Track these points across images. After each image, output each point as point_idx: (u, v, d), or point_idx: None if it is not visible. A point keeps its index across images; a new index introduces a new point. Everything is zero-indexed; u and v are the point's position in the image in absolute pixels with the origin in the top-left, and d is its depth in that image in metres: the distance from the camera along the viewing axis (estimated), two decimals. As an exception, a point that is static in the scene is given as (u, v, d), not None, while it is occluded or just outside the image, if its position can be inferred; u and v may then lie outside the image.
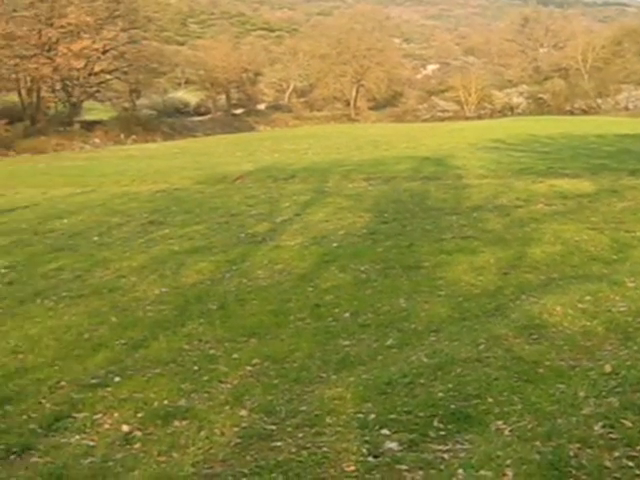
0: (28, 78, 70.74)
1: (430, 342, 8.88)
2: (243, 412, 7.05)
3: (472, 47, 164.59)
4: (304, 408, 7.05)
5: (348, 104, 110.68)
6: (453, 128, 65.64)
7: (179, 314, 10.71)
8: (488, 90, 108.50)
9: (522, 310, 9.77)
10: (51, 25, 70.17)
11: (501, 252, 13.64)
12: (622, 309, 9.51)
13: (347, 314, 10.27)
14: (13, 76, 69.42)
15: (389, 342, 9.01)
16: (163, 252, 15.46)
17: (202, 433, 6.62)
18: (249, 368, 8.36)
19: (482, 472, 5.53)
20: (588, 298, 9.95)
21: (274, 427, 6.69)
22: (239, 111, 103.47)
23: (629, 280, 10.80)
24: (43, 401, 7.72)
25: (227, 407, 7.19)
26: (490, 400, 6.87)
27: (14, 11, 67.74)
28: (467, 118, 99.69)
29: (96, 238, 17.80)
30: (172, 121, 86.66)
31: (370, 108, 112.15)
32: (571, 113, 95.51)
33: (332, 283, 12.07)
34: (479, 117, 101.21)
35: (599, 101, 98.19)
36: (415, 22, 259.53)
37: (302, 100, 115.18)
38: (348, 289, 11.61)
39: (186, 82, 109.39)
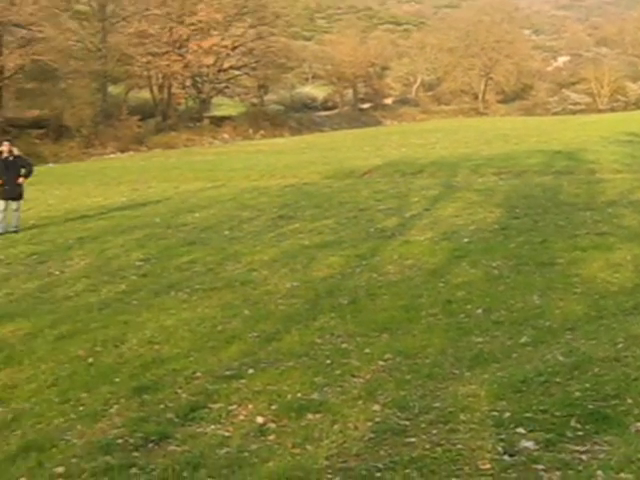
0: (159, 75, 72.69)
1: (566, 340, 8.68)
2: (376, 407, 7.03)
3: (605, 37, 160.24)
4: (438, 405, 6.99)
5: (476, 97, 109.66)
6: (585, 121, 64.30)
7: (310, 308, 10.77)
8: (622, 82, 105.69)
9: (662, 308, 9.49)
10: (182, 23, 71.86)
11: (638, 249, 13.23)
12: None
13: (479, 310, 10.13)
14: (145, 73, 71.46)
15: (523, 340, 8.84)
16: (293, 246, 15.60)
17: (336, 427, 6.64)
18: (381, 363, 8.33)
19: (622, 475, 5.39)
20: None
21: (407, 423, 6.65)
22: (366, 105, 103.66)
23: None
24: (179, 391, 7.86)
25: (360, 401, 7.18)
26: (629, 401, 6.67)
27: (146, 10, 69.53)
28: (600, 111, 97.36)
29: (227, 232, 18.10)
30: (299, 116, 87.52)
31: (499, 101, 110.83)
32: None
33: (463, 279, 11.93)
34: (612, 110, 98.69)
35: None
36: (545, 13, 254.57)
37: (429, 94, 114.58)
38: (480, 285, 11.44)
39: (313, 77, 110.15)
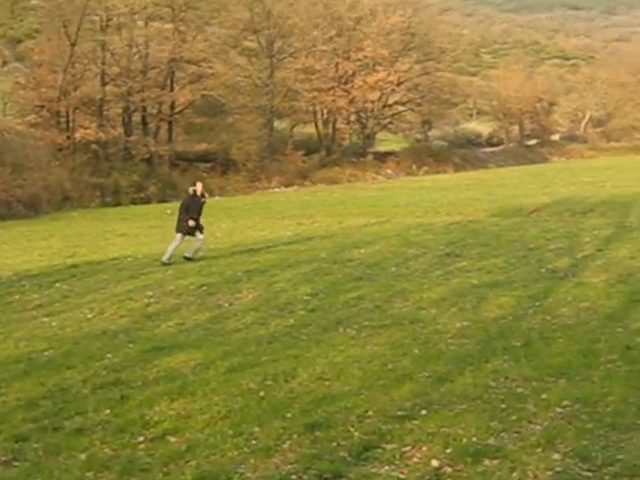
0: (324, 110, 73.81)
1: None
2: (556, 456, 6.84)
3: None
4: (622, 457, 6.73)
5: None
6: None
7: (482, 349, 10.59)
8: None
9: None
10: (348, 58, 72.93)
11: None
12: None
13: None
14: (310, 108, 72.73)
15: None
16: (462, 285, 15.45)
17: (514, 474, 6.49)
18: (559, 410, 8.09)
19: None
20: None
21: (590, 474, 6.44)
22: (532, 142, 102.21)
23: None
24: (351, 429, 7.85)
25: (539, 449, 7.00)
26: None
27: (313, 46, 70.91)
28: None
29: (394, 269, 18.10)
30: (463, 152, 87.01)
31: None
32: None
33: (643, 324, 11.52)
34: None
35: None
36: None
37: (598, 130, 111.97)
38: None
39: (478, 113, 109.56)
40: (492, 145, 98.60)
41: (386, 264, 18.85)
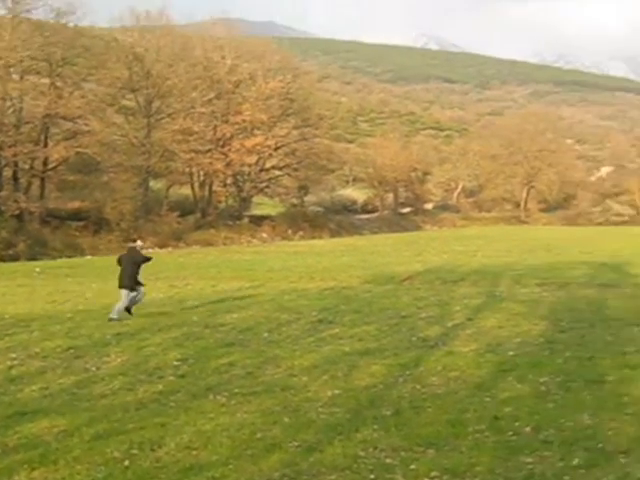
0: (201, 172, 73.75)
1: (620, 465, 8.45)
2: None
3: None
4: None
5: (518, 205, 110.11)
6: (631, 233, 64.16)
7: (352, 418, 10.59)
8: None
9: None
10: (226, 121, 73.20)
11: (692, 369, 13.01)
12: None
13: (528, 428, 9.91)
14: (187, 170, 72.53)
15: (575, 462, 8.60)
16: (334, 352, 15.45)
17: None
18: (427, 481, 8.15)
19: None
20: None
21: None
22: (406, 210, 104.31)
23: None
24: (218, 501, 7.73)
25: (406, 521, 7.00)
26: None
27: (192, 108, 70.95)
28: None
29: (266, 334, 17.99)
30: (339, 218, 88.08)
31: (541, 210, 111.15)
32: None
33: (510, 394, 11.73)
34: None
35: None
36: (589, 123, 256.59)
37: (470, 200, 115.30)
38: (528, 401, 11.23)
39: (354, 180, 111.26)
40: (367, 212, 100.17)
41: (259, 329, 18.73)
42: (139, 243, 23.47)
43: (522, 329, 17.67)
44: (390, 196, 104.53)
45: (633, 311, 20.35)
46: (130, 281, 21.72)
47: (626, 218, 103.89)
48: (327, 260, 40.44)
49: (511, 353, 14.78)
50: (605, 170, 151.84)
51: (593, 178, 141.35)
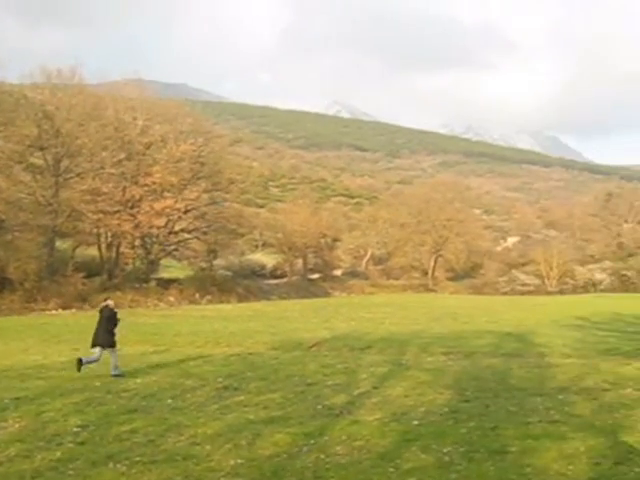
0: (109, 233, 72.83)
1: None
2: None
3: (554, 221, 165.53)
4: None
5: (426, 274, 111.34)
6: (535, 303, 65.37)
7: (255, 489, 10.50)
8: (570, 265, 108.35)
9: (619, 506, 9.39)
10: (136, 183, 72.62)
11: (591, 439, 13.24)
12: None
13: (429, 500, 9.96)
14: (95, 231, 71.59)
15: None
16: (238, 420, 15.31)
17: None
18: None
19: None
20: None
21: None
22: (315, 276, 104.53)
23: None
24: None
25: None
26: None
27: (101, 168, 70.28)
28: (548, 293, 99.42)
29: (170, 401, 17.77)
30: (248, 283, 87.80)
31: (448, 279, 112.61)
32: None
33: (414, 464, 11.77)
34: (561, 292, 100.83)
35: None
36: (496, 193, 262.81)
37: (379, 267, 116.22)
38: (431, 472, 11.30)
39: (264, 244, 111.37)
40: (276, 277, 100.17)
41: (162, 396, 18.50)
42: (110, 302, 23.91)
43: (427, 398, 17.78)
44: (299, 262, 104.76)
45: (536, 381, 20.69)
46: (104, 338, 22.62)
47: (531, 288, 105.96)
48: (234, 325, 40.21)
49: (416, 422, 14.85)
50: (511, 240, 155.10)
51: (499, 248, 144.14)
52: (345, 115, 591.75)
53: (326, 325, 40.08)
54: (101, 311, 23.59)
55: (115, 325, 23.14)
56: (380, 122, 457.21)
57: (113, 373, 22.16)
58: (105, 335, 22.65)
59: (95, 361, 22.55)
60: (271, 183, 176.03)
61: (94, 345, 22.76)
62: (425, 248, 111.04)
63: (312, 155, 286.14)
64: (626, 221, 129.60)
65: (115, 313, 23.39)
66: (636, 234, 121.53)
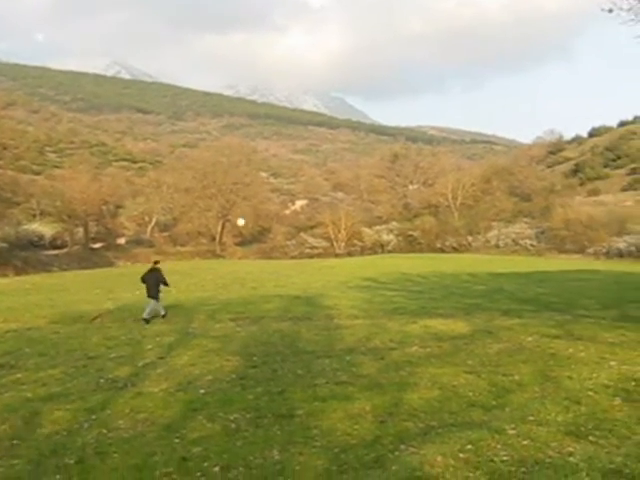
0: None
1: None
2: None
3: (341, 183, 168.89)
4: None
5: (213, 239, 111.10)
6: (323, 265, 66.60)
7: (33, 469, 10.26)
8: (358, 227, 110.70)
9: (402, 461, 9.76)
10: None
11: (377, 398, 13.67)
12: (504, 458, 9.63)
13: (217, 468, 10.03)
14: None
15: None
16: (14, 399, 14.87)
17: None
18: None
19: None
20: (469, 447, 10.05)
21: None
22: (98, 245, 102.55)
23: (509, 427, 10.98)
24: None
25: None
26: None
27: None
28: (337, 255, 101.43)
29: (-64, 384, 17.03)
30: (25, 255, 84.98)
31: (236, 244, 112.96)
32: (442, 250, 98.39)
33: (200, 433, 11.81)
34: (349, 254, 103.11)
35: (469, 238, 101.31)
36: (283, 156, 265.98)
37: (165, 234, 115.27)
38: (218, 440, 11.37)
39: (41, 213, 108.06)
40: (56, 247, 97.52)
41: None
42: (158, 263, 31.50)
43: (214, 366, 17.82)
44: (80, 230, 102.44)
45: (324, 343, 21.08)
46: (153, 292, 29.22)
47: (320, 251, 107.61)
48: (11, 299, 38.84)
49: (202, 391, 14.88)
50: (299, 203, 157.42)
51: (288, 211, 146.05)
52: (125, 76, 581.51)
53: (110, 296, 39.39)
54: (152, 271, 30.08)
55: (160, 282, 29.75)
56: (163, 83, 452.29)
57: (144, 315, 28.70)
58: (156, 288, 29.40)
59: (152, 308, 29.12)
60: (48, 148, 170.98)
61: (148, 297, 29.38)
62: (212, 213, 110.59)
63: (91, 118, 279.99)
64: (411, 182, 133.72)
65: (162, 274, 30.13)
66: (421, 195, 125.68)
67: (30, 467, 10.41)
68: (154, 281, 29.52)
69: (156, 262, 31.64)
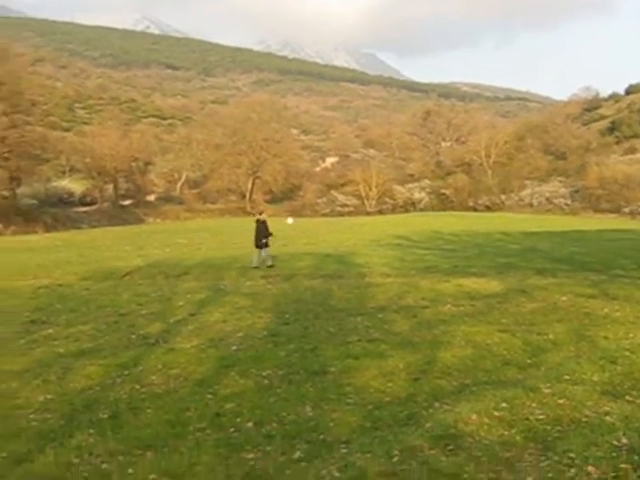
0: None
1: (341, 454, 8.77)
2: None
3: (372, 140, 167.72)
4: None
5: (243, 197, 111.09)
6: (354, 223, 66.56)
7: (66, 424, 10.36)
8: (389, 184, 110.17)
9: (436, 419, 9.78)
10: None
11: (410, 356, 13.68)
12: (540, 417, 9.60)
13: (250, 424, 10.10)
14: None
15: (297, 455, 8.86)
16: (47, 354, 15.04)
17: None
18: (145, 484, 8.10)
19: None
20: (504, 405, 10.04)
21: None
22: (127, 202, 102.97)
23: (545, 386, 10.95)
24: None
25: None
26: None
27: None
28: (368, 213, 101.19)
29: (-30, 339, 17.25)
30: (55, 211, 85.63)
31: (267, 201, 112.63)
32: (474, 209, 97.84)
33: (233, 390, 11.89)
34: (380, 212, 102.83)
35: (503, 197, 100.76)
36: (314, 113, 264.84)
37: (195, 192, 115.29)
38: (250, 396, 11.44)
39: (71, 170, 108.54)
40: (86, 204, 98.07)
41: (-38, 333, 17.93)
42: (264, 215, 33.70)
43: (246, 323, 17.92)
44: (110, 187, 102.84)
45: (356, 301, 21.12)
46: (259, 242, 31.66)
47: (351, 208, 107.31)
48: (42, 256, 39.15)
49: (234, 348, 14.97)
50: (330, 161, 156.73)
51: (318, 169, 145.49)
52: (155, 31, 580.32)
53: (140, 253, 39.61)
54: (257, 222, 32.46)
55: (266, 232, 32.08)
56: (192, 39, 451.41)
57: (252, 264, 31.27)
58: (263, 239, 31.62)
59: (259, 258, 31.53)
60: (77, 105, 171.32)
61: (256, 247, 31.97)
62: (242, 170, 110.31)
63: (120, 74, 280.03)
64: (444, 139, 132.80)
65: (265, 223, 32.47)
66: (454, 152, 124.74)
67: (63, 421, 10.52)
68: (260, 232, 31.87)
69: (260, 212, 34.31)
